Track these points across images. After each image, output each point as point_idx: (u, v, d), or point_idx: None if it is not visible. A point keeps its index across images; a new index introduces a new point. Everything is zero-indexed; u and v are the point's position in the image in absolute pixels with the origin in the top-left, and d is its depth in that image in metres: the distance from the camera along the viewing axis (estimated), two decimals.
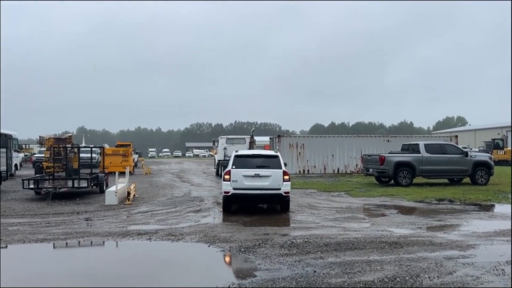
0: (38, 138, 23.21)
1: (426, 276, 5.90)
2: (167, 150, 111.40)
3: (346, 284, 5.55)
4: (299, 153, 27.72)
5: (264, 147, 40.55)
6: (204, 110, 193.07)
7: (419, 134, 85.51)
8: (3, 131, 25.01)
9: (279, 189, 11.22)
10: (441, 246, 7.70)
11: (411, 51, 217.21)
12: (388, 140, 28.75)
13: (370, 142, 28.74)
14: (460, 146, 22.50)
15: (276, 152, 12.22)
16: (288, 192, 11.41)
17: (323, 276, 5.90)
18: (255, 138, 28.61)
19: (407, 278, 5.81)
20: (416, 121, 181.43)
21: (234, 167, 11.49)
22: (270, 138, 31.71)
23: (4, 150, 20.76)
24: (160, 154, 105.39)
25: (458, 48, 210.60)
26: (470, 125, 76.28)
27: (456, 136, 29.90)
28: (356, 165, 27.83)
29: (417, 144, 20.06)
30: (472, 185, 18.91)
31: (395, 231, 9.13)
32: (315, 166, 27.81)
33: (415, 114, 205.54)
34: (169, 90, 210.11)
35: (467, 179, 20.24)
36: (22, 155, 33.63)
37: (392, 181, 19.44)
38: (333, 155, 27.97)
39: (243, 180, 11.23)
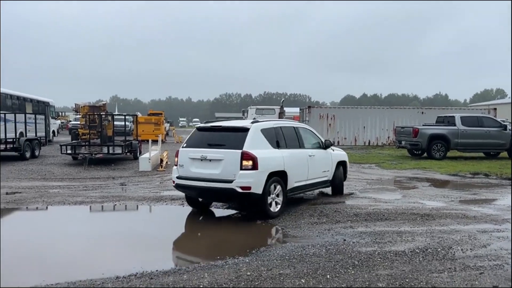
0: (74, 105, 23.85)
1: (458, 248, 5.83)
2: (197, 119, 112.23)
3: (376, 253, 5.55)
4: (330, 124, 27.39)
5: (293, 118, 40.40)
6: (233, 80, 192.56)
7: (455, 106, 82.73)
8: (41, 98, 25.91)
9: (231, 181, 7.05)
10: (475, 220, 7.55)
11: (451, 22, 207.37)
12: (423, 112, 27.94)
13: (404, 114, 28.01)
14: (498, 119, 21.62)
15: (253, 123, 7.65)
16: (248, 188, 6.99)
17: (353, 245, 5.92)
18: (285, 109, 28.43)
19: (439, 249, 5.75)
20: (451, 93, 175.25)
21: (185, 145, 7.94)
22: (300, 109, 31.42)
23: (42, 117, 21.53)
24: (190, 124, 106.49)
25: (499, 17, 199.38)
26: (510, 98, 72.97)
27: (495, 109, 28.67)
28: (388, 137, 27.30)
29: (453, 117, 19.41)
30: (510, 160, 18.27)
31: (427, 204, 9.00)
32: (345, 138, 27.48)
33: (451, 86, 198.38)
34: (199, 60, 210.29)
35: (504, 154, 19.55)
36: (59, 122, 34.72)
37: (425, 154, 19.01)
38: (364, 127, 27.50)
39: (189, 165, 7.57)
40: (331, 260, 5.26)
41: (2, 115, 18.21)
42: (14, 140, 16.96)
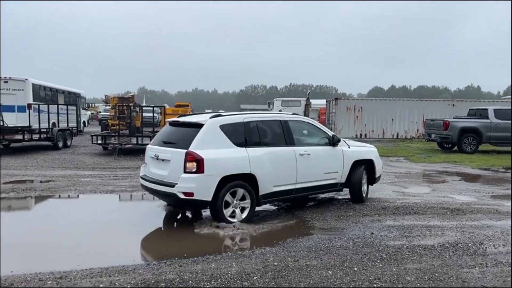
0: (104, 97, 24.38)
1: (490, 244, 5.69)
2: (223, 111, 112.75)
3: (405, 247, 5.49)
4: (357, 116, 27.04)
5: (319, 110, 40.06)
6: (259, 72, 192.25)
7: (487, 99, 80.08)
8: (72, 89, 26.60)
9: (174, 185, 6.16)
10: (507, 215, 7.34)
11: (485, 11, 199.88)
12: (453, 105, 27.18)
13: (434, 106, 27.33)
14: None
15: (211, 118, 6.56)
16: (191, 194, 6.03)
17: (380, 238, 5.87)
18: (311, 100, 28.22)
19: (470, 244, 5.64)
20: (484, 85, 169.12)
21: (152, 141, 7.45)
22: (326, 101, 31.09)
23: (74, 107, 22.12)
24: None
25: None
26: None
27: None
28: (417, 130, 26.74)
29: (486, 109, 18.79)
30: None
31: (458, 198, 8.80)
32: (373, 130, 27.08)
33: (483, 78, 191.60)
34: (225, 52, 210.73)
35: None
36: (89, 113, 35.65)
37: (456, 148, 18.54)
38: (392, 119, 27.01)
39: (149, 163, 6.93)
40: (358, 252, 5.23)
41: (37, 106, 18.84)
42: (48, 130, 17.52)
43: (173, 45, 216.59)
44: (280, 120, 7.22)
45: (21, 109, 18.80)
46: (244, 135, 6.60)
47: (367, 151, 8.38)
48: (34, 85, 19.97)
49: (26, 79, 19.49)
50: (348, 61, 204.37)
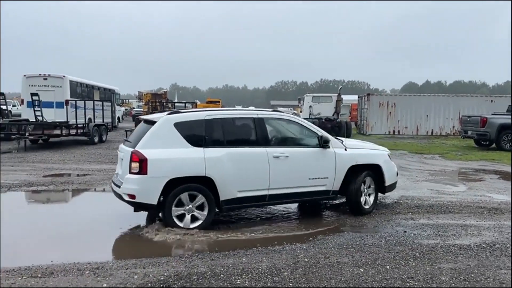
0: (137, 93, 24.94)
1: None
2: (253, 107, 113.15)
3: (439, 246, 5.36)
4: (390, 112, 26.52)
5: (351, 106, 39.46)
6: (289, 68, 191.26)
7: None
8: (107, 86, 27.33)
9: (119, 186, 5.93)
10: None
11: None
12: (492, 101, 26.22)
13: (471, 102, 26.44)
14: None
15: (167, 115, 6.16)
16: (133, 197, 5.68)
17: (413, 237, 5.76)
18: (342, 96, 27.83)
19: (508, 245, 5.44)
20: None
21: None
22: (358, 97, 30.65)
23: (109, 103, 22.76)
24: None
25: None
26: None
27: None
28: (453, 127, 25.97)
29: None
30: None
31: (495, 197, 8.49)
32: (406, 127, 26.50)
33: None
34: (256, 48, 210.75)
35: None
36: (123, 109, 36.51)
37: (494, 145, 17.87)
38: (427, 115, 26.34)
39: (118, 163, 6.61)
40: (390, 251, 5.15)
41: (74, 102, 19.48)
42: (84, 125, 18.11)
43: (203, 43, 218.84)
44: (253, 118, 6.37)
45: (59, 105, 19.50)
46: (203, 134, 5.98)
47: (373, 154, 7.12)
48: (71, 82, 20.66)
49: (64, 76, 20.17)
50: (380, 57, 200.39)
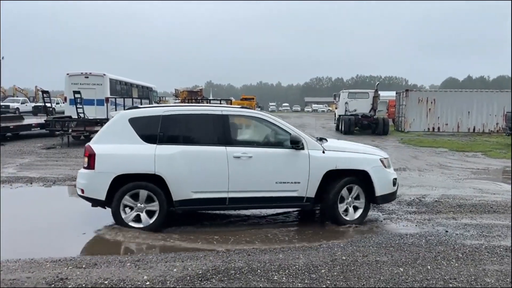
0: (174, 91, 25.39)
1: None
2: (287, 104, 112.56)
3: (483, 247, 5.16)
4: (429, 109, 25.74)
5: (388, 103, 38.58)
6: (324, 64, 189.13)
7: None
8: (145, 84, 27.99)
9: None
10: None
11: None
12: None
13: None
14: None
15: (124, 110, 6.17)
16: (82, 191, 5.75)
17: (456, 237, 5.57)
18: (379, 92, 27.25)
19: None
20: None
21: None
22: (396, 93, 29.91)
23: (147, 101, 23.30)
24: (280, 108, 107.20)
25: None
26: None
27: None
28: (497, 124, 24.90)
29: None
30: None
31: None
32: (447, 124, 25.64)
33: None
34: (290, 45, 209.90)
35: None
36: None
37: None
38: (469, 112, 25.37)
39: None
40: (431, 250, 5.01)
41: (113, 100, 20.08)
42: None
43: (237, 41, 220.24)
44: (216, 115, 5.94)
45: (100, 102, 20.13)
46: (158, 131, 5.73)
47: (357, 158, 6.11)
48: (111, 80, 21.28)
49: (104, 74, 20.80)
50: (419, 52, 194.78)
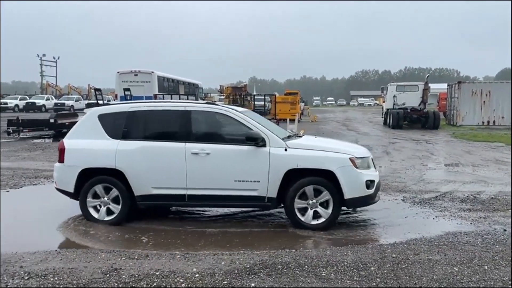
0: (219, 87, 25.73)
1: None
2: (331, 98, 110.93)
3: None
4: (484, 101, 24.45)
5: (439, 95, 37.01)
6: (370, 57, 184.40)
7: None
8: (191, 80, 28.58)
9: None
10: None
11: None
12: None
13: None
14: None
15: (94, 107, 6.61)
16: (56, 184, 6.26)
17: None
18: (430, 85, 26.21)
19: None
20: None
21: None
22: (448, 85, 28.64)
23: (193, 97, 23.81)
24: (324, 103, 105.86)
25: None
26: None
27: None
28: None
29: None
30: None
31: None
32: (503, 117, 24.25)
33: None
34: (334, 39, 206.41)
35: None
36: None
37: None
38: None
39: None
40: (488, 250, 4.76)
41: (161, 96, 20.67)
42: None
43: (281, 37, 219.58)
44: (179, 111, 5.91)
45: (148, 99, 20.79)
46: (122, 126, 5.87)
47: (322, 157, 5.59)
48: (159, 77, 21.92)
49: (153, 72, 21.47)
50: (471, 42, 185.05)
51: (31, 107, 41.02)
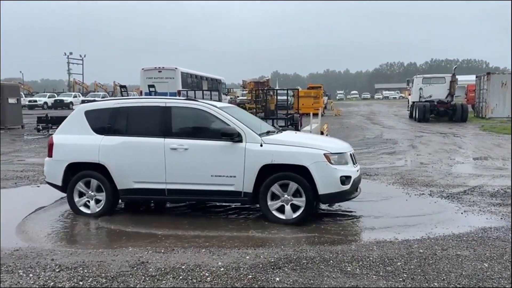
0: (242, 82, 25.77)
1: None
2: (355, 92, 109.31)
3: None
4: None
5: (467, 87, 36.06)
6: (395, 49, 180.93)
7: None
8: (214, 76, 28.73)
9: None
10: None
11: None
12: None
13: None
14: None
15: (82, 104, 7.09)
16: (46, 177, 6.62)
17: None
18: (457, 77, 25.52)
19: None
20: None
21: None
22: (476, 77, 27.81)
23: (216, 93, 23.88)
24: (348, 96, 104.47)
25: None
26: None
27: None
28: None
29: None
30: None
31: None
32: None
33: None
34: (358, 31, 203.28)
35: None
36: (228, 97, 38.05)
37: None
38: None
39: None
40: None
41: (185, 92, 20.85)
42: None
43: (303, 31, 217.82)
44: (160, 107, 6.02)
45: (172, 95, 21.01)
46: (106, 122, 6.11)
47: (297, 153, 5.57)
48: (182, 73, 22.13)
49: (176, 68, 21.68)
50: (500, 32, 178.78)
51: (59, 104, 42.18)
